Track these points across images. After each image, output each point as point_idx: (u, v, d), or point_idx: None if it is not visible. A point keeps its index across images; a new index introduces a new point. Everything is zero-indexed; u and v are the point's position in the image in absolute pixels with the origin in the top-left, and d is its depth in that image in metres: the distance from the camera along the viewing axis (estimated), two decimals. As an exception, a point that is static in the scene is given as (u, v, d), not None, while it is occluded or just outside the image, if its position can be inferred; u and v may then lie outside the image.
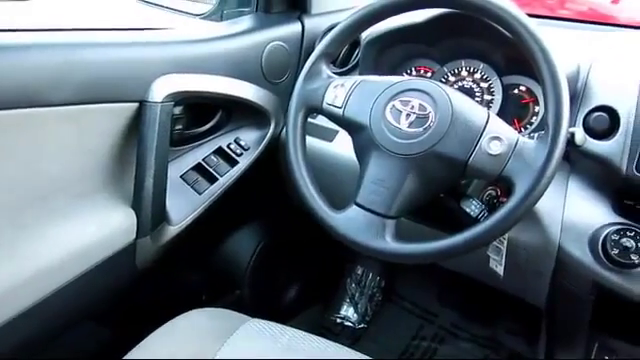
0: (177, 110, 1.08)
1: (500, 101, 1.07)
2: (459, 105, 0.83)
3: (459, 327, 1.67)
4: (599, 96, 0.93)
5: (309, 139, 1.17)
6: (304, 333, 0.88)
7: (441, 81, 1.11)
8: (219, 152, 1.14)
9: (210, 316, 0.93)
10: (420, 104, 0.84)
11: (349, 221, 0.85)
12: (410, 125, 0.84)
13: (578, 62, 0.97)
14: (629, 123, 0.89)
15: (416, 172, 0.82)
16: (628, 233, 0.88)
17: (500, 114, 1.06)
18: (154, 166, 0.96)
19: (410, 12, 0.99)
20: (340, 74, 1.04)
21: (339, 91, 0.91)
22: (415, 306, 1.73)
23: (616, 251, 0.88)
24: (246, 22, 1.20)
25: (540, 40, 0.78)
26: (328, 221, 0.87)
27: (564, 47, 0.96)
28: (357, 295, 1.73)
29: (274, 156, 1.22)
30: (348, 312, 1.70)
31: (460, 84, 1.11)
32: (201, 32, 1.10)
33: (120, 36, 0.98)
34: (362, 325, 1.70)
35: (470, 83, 1.10)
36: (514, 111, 1.07)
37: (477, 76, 1.10)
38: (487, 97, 1.09)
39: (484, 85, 1.09)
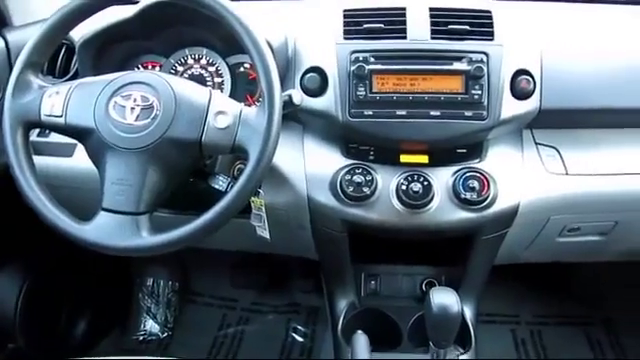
0: None
1: (230, 81, 1.13)
2: (180, 89, 0.85)
3: (260, 303, 1.74)
4: (308, 59, 1.04)
5: (45, 159, 1.10)
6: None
7: (170, 72, 1.13)
8: None
9: None
10: (142, 96, 0.84)
11: (99, 228, 0.82)
12: (137, 118, 0.83)
13: (285, 33, 1.07)
14: (335, 78, 1.01)
15: (155, 163, 0.83)
16: (357, 171, 1.02)
17: (233, 93, 1.13)
18: None
19: (119, 8, 0.97)
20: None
21: (55, 99, 0.86)
22: (214, 298, 1.75)
23: (351, 188, 1.01)
24: None
25: (239, 17, 0.84)
26: (76, 234, 0.82)
27: (271, 21, 1.06)
28: (153, 307, 1.69)
29: (9, 186, 1.10)
30: (147, 326, 1.66)
31: (190, 72, 1.14)
32: None
33: None
34: (166, 334, 1.67)
35: (199, 70, 1.14)
36: (245, 88, 1.14)
37: (203, 62, 1.14)
38: (217, 80, 1.13)
39: (212, 69, 1.14)
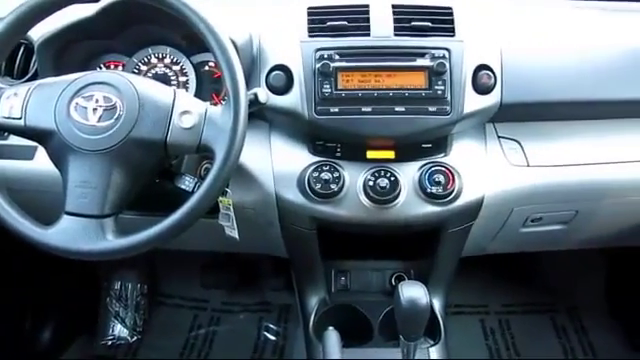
0: None
1: (195, 80, 1.12)
2: (144, 89, 0.84)
3: (231, 303, 1.73)
4: (273, 57, 1.04)
5: (4, 163, 1.07)
6: None
7: (133, 72, 1.11)
8: None
9: None
10: (104, 96, 0.83)
11: (62, 232, 0.80)
12: (100, 119, 0.82)
13: (249, 31, 1.06)
14: (300, 76, 1.01)
15: (120, 164, 0.82)
16: (324, 168, 1.02)
17: (198, 92, 1.11)
18: None
19: (80, 7, 0.95)
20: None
21: (14, 101, 0.84)
22: (184, 299, 1.74)
23: (319, 185, 1.01)
24: None
25: (202, 15, 0.83)
26: (39, 238, 0.81)
27: (235, 20, 1.05)
28: (121, 311, 1.66)
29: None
30: (116, 331, 1.63)
31: (153, 72, 1.13)
32: None
33: None
34: (136, 337, 1.65)
35: (163, 69, 1.13)
36: (211, 86, 1.13)
37: (167, 61, 1.13)
38: (182, 79, 1.12)
39: (176, 68, 1.13)
